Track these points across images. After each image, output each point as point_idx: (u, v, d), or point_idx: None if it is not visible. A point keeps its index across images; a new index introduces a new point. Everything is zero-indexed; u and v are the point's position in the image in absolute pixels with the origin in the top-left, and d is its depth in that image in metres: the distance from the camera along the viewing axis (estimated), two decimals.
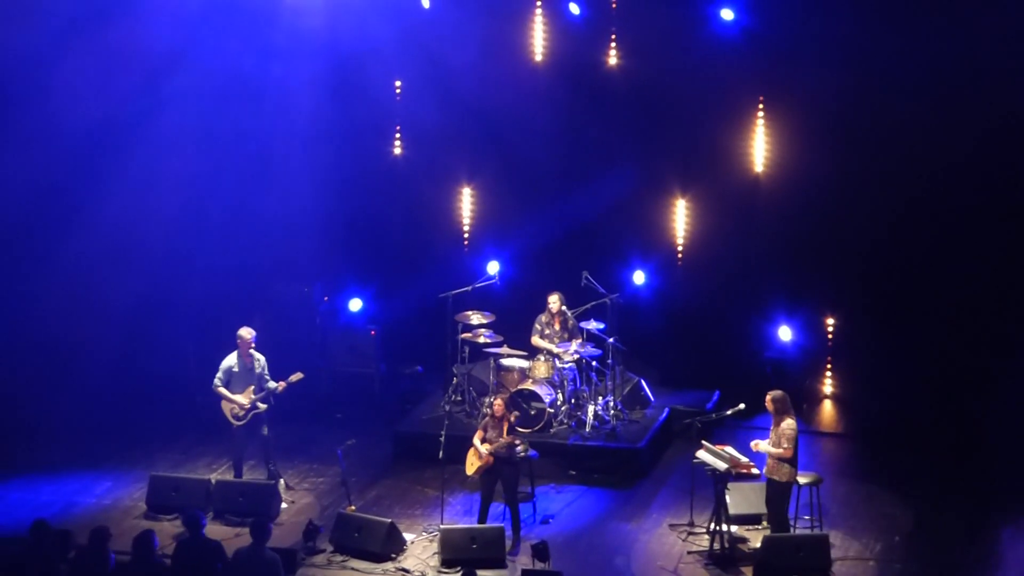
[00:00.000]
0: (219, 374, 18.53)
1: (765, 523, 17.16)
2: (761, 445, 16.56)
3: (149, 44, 21.37)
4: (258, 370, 18.58)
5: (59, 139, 21.27)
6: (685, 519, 17.74)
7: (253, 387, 18.50)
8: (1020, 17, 19.74)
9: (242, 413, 18.47)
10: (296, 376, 18.61)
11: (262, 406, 18.56)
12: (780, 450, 16.37)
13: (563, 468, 19.35)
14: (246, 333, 18.59)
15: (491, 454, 17.24)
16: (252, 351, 18.59)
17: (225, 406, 18.56)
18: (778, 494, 16.53)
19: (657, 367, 21.98)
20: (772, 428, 16.56)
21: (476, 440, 17.50)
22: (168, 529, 17.33)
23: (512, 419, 17.60)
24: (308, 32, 21.88)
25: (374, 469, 19.72)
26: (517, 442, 17.36)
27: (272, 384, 18.57)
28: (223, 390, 18.50)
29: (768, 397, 16.62)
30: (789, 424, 16.44)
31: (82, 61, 21.08)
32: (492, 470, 17.29)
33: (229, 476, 18.82)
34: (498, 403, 17.56)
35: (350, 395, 22.43)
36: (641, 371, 21.34)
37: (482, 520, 17.27)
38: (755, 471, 16.88)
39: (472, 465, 17.52)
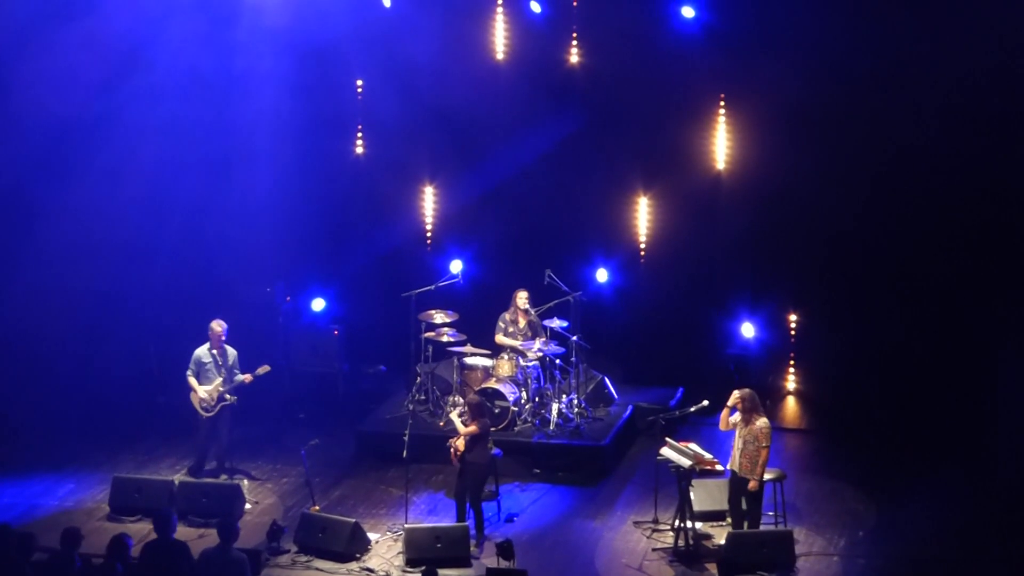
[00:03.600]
0: (191, 365, 18.81)
1: (729, 520, 17.18)
2: (739, 460, 16.42)
3: (111, 41, 21.23)
4: (229, 363, 18.80)
5: (21, 137, 21.13)
6: (649, 516, 17.75)
7: (222, 379, 18.65)
8: (978, 5, 19.81)
9: (210, 404, 18.66)
10: (263, 368, 18.85)
11: (230, 398, 18.77)
12: (764, 451, 16.30)
13: (527, 466, 19.33)
14: (217, 326, 18.82)
15: (458, 446, 17.26)
16: (223, 344, 18.82)
17: (194, 397, 18.75)
18: (756, 492, 16.49)
19: (621, 365, 21.99)
20: (740, 427, 16.50)
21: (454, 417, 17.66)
22: (132, 531, 17.19)
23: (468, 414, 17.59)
24: (269, 30, 21.79)
25: (338, 469, 19.66)
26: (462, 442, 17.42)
27: (240, 376, 18.70)
28: (193, 380, 18.70)
29: (737, 395, 16.54)
30: (764, 422, 16.43)
31: (44, 58, 20.96)
32: (461, 472, 17.31)
33: (191, 476, 18.79)
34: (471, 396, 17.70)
35: (313, 395, 22.32)
36: (605, 369, 21.36)
37: (460, 519, 17.25)
38: (719, 468, 16.88)
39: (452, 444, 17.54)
